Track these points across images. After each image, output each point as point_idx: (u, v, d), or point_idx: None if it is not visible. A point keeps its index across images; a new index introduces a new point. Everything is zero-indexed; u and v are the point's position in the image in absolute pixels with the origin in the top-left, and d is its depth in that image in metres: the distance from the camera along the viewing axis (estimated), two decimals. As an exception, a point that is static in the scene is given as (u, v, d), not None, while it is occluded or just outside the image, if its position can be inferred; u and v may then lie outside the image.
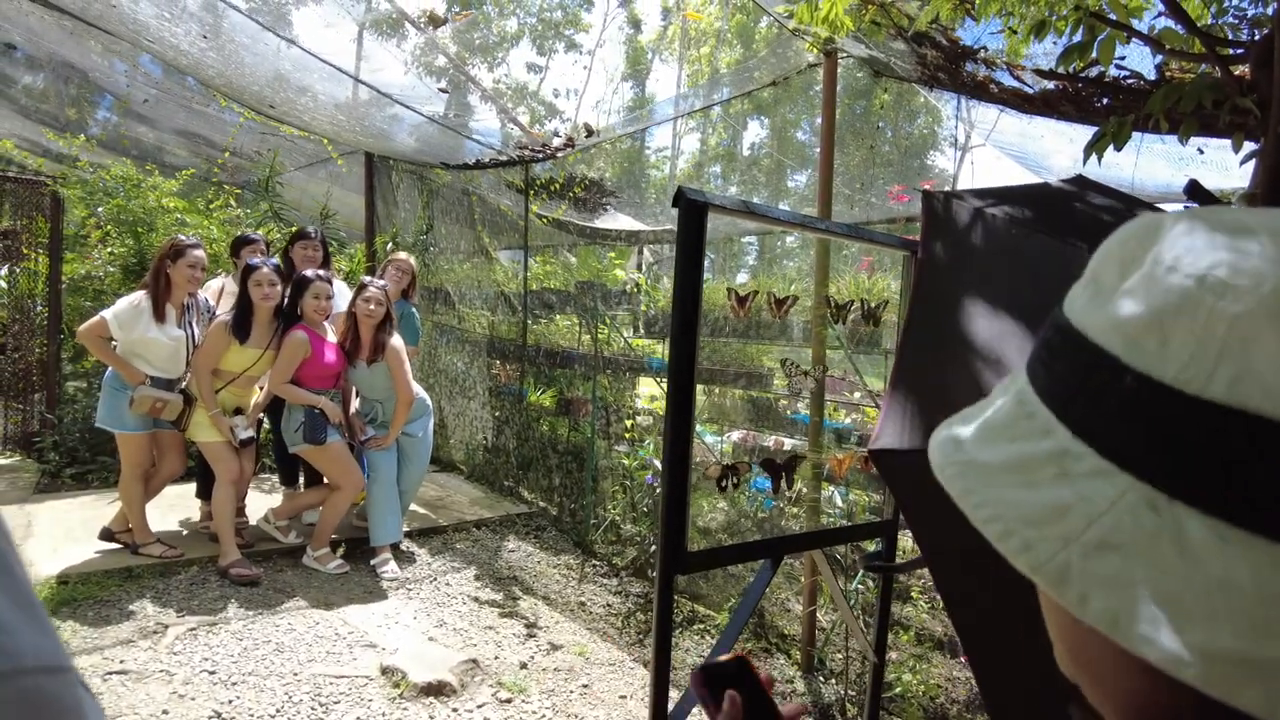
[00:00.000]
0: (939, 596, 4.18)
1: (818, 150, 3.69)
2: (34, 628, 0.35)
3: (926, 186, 4.14)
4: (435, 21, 5.00)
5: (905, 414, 1.10)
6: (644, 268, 8.28)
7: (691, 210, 1.49)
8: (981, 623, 1.07)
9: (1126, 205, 1.42)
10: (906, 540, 4.11)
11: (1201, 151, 3.20)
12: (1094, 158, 2.00)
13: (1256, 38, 1.72)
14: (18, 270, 6.41)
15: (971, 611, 1.08)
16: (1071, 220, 1.34)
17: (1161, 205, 3.10)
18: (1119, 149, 1.69)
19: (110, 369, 4.03)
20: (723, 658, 0.85)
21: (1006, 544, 0.38)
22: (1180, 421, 0.33)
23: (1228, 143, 3.16)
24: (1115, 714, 0.41)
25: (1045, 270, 1.18)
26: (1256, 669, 0.30)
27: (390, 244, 7.00)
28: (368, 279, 4.39)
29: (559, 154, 5.80)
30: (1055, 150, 3.84)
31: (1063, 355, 0.40)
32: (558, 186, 6.53)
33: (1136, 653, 0.32)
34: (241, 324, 4.08)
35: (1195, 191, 1.37)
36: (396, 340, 4.36)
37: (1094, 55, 1.89)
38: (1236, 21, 2.26)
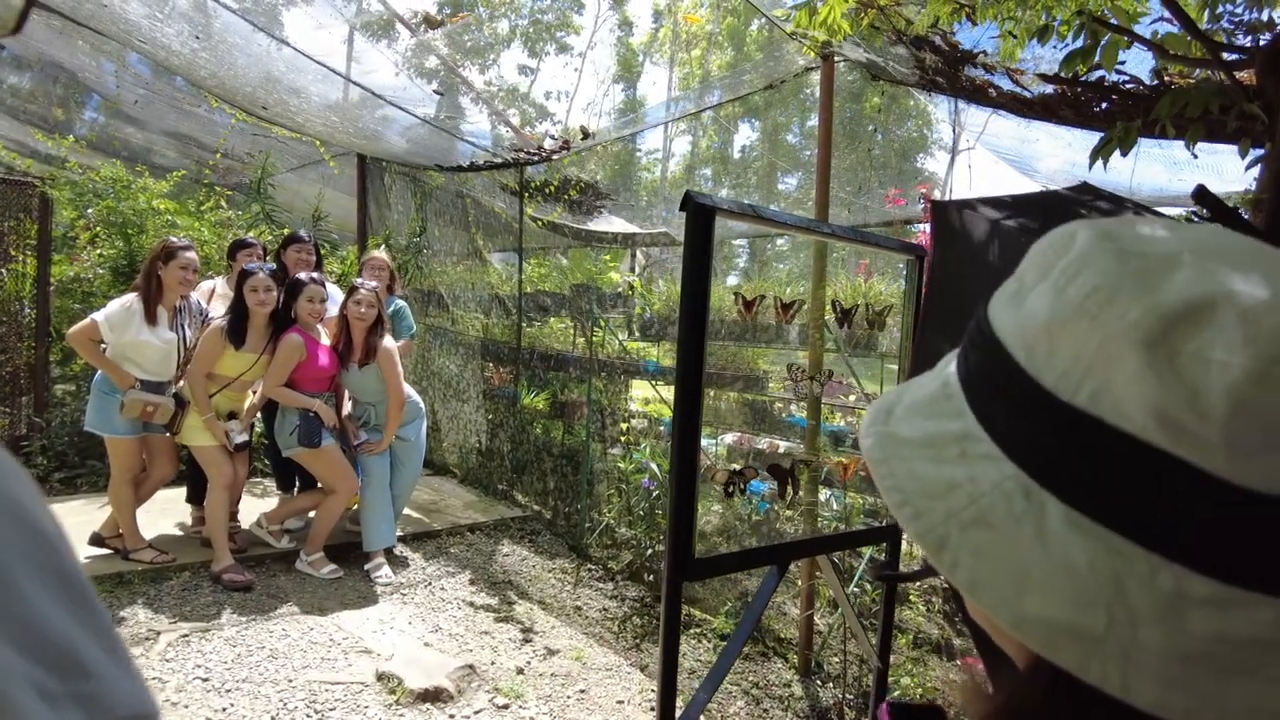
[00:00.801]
0: (937, 601, 4.18)
1: (809, 153, 3.70)
2: (123, 670, 0.34)
3: (923, 190, 4.15)
4: (431, 23, 4.97)
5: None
6: (638, 270, 8.27)
7: (699, 214, 1.48)
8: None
9: (1135, 213, 1.42)
10: (906, 543, 4.11)
11: (1195, 156, 3.21)
12: (1090, 162, 2.00)
13: (1260, 43, 1.73)
14: (4, 272, 6.34)
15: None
16: (1082, 226, 1.33)
17: (1158, 209, 3.11)
18: (1125, 154, 1.69)
19: (99, 372, 3.99)
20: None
21: (900, 512, 0.43)
22: (1052, 422, 0.38)
23: (1221, 147, 3.18)
24: (1014, 656, 0.46)
25: None
26: (1076, 636, 0.35)
27: (382, 246, 6.96)
28: (359, 281, 4.36)
29: (554, 156, 5.79)
30: (1050, 154, 3.85)
31: (978, 349, 0.44)
32: (552, 189, 6.51)
33: (989, 615, 0.39)
34: (237, 329, 4.04)
35: (1203, 196, 1.37)
36: (388, 342, 4.33)
37: (1097, 60, 1.90)
38: (1231, 27, 2.27)
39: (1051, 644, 0.36)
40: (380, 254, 5.02)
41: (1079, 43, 1.90)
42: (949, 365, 0.49)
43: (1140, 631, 0.35)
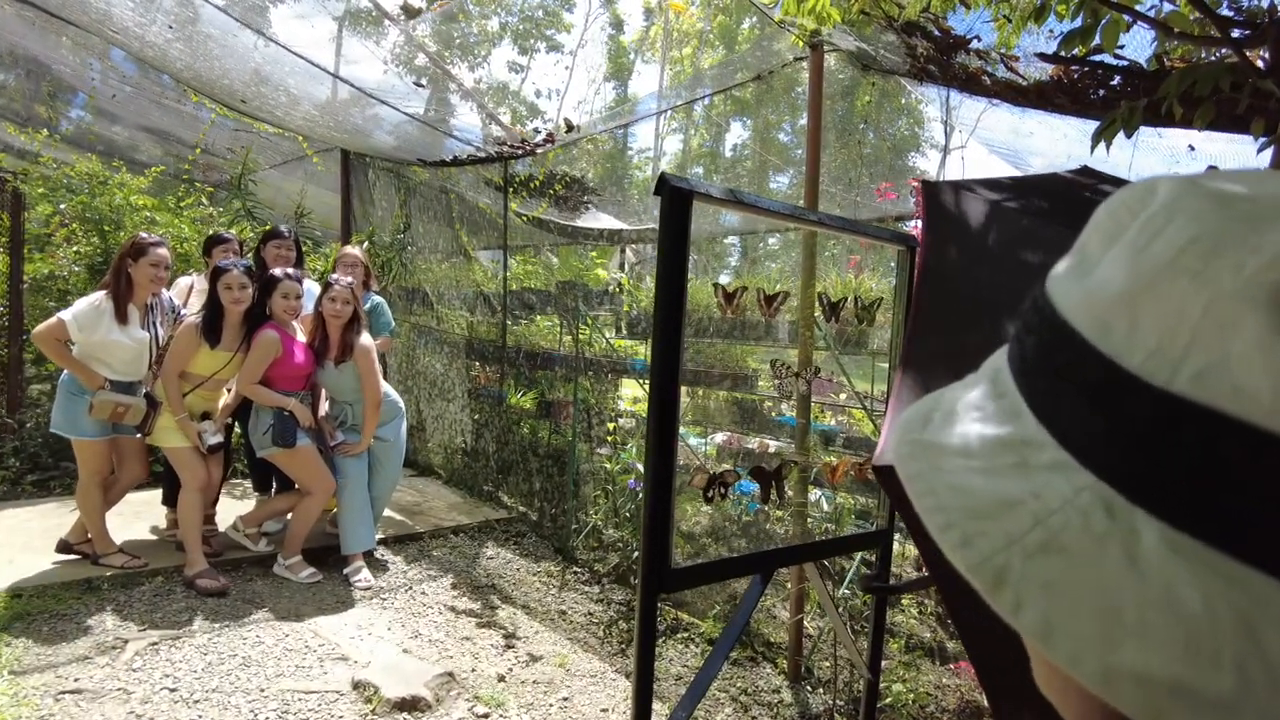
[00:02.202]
0: (929, 604, 4.10)
1: (800, 152, 3.61)
2: None
3: (914, 184, 4.06)
4: (410, 12, 4.86)
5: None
6: (626, 267, 8.17)
7: (675, 199, 1.38)
8: (995, 651, 0.97)
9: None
10: (899, 547, 4.02)
11: (1192, 148, 3.14)
12: (1089, 151, 1.92)
13: (1275, 15, 1.64)
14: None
15: (984, 639, 0.98)
16: (1086, 210, 1.25)
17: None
18: (1129, 135, 1.60)
19: (66, 371, 3.86)
20: None
21: (945, 537, 0.34)
22: (1144, 416, 0.30)
23: (1220, 137, 3.11)
24: None
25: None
26: (1191, 699, 0.27)
27: (366, 242, 6.84)
28: (334, 277, 4.25)
29: (539, 150, 5.68)
30: (1046, 147, 3.77)
31: (1035, 331, 0.36)
32: (537, 184, 6.41)
33: (1066, 669, 0.29)
34: (212, 326, 3.93)
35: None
36: (366, 339, 4.23)
37: (1096, 42, 1.81)
38: (1232, 14, 2.19)
39: (1156, 709, 0.27)
40: (354, 249, 4.90)
41: (1078, 22, 1.81)
42: (999, 359, 0.40)
43: None
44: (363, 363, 4.18)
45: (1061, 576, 0.30)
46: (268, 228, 4.91)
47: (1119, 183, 1.39)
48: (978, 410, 0.38)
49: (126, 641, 3.40)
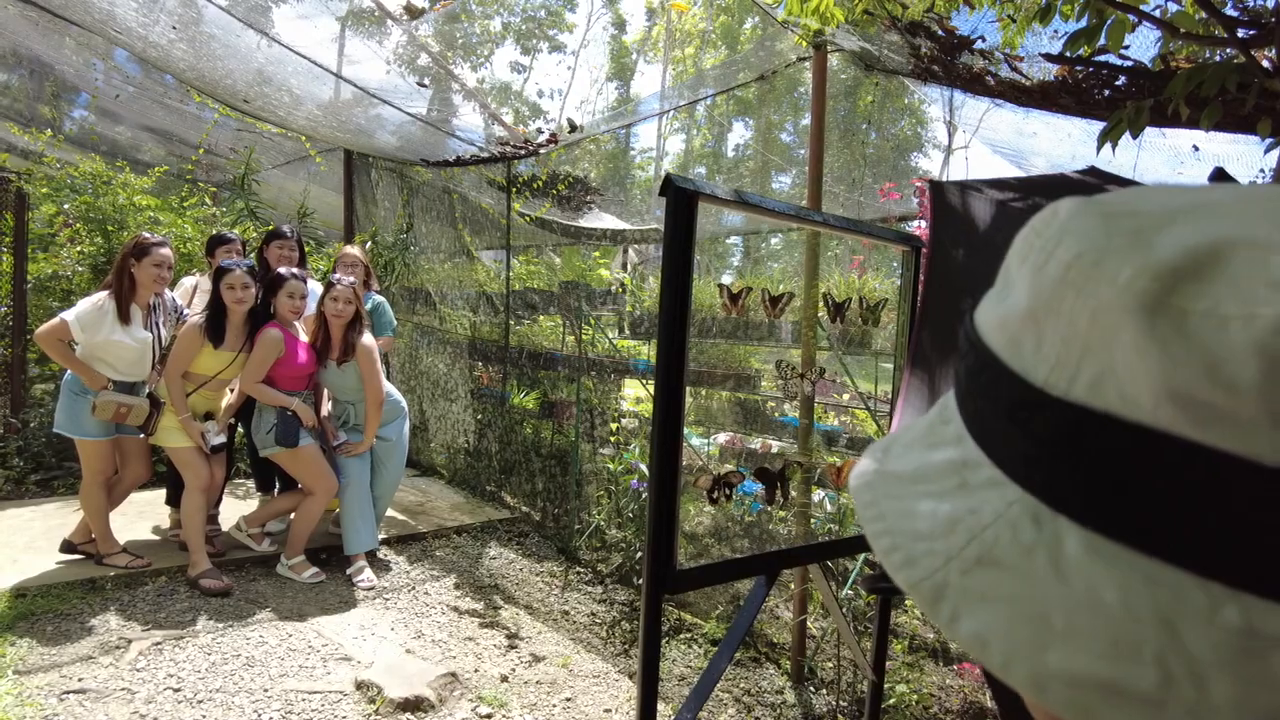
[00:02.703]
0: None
1: (803, 152, 3.61)
2: None
3: (918, 184, 4.06)
4: (413, 12, 4.86)
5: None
6: (629, 267, 8.17)
7: (680, 199, 1.38)
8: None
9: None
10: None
11: (1196, 148, 3.13)
12: (1094, 152, 1.91)
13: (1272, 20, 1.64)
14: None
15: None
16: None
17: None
18: (1135, 136, 1.59)
19: (69, 370, 3.86)
20: None
21: (889, 559, 0.35)
22: (1053, 427, 0.31)
23: (1222, 138, 3.10)
24: None
25: None
26: (1118, 698, 0.27)
27: (369, 242, 6.85)
28: (336, 276, 4.25)
29: (542, 150, 5.68)
30: (1050, 147, 3.76)
31: (965, 357, 0.38)
32: (540, 184, 6.40)
33: (1001, 677, 0.30)
34: (215, 326, 3.93)
35: (1222, 180, 1.28)
36: (368, 339, 4.23)
37: (1102, 42, 1.80)
38: (1237, 14, 2.18)
39: (1087, 709, 0.28)
40: (353, 249, 4.90)
41: (1083, 23, 1.81)
42: (950, 390, 0.42)
43: (1210, 688, 0.26)
44: (364, 362, 4.18)
45: (994, 588, 0.32)
46: (270, 228, 4.91)
47: (1125, 183, 1.39)
48: (927, 437, 0.40)
49: (130, 641, 3.40)
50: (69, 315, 3.74)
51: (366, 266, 4.83)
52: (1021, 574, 0.31)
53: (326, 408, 4.41)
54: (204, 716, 2.91)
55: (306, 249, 5.11)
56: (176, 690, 3.06)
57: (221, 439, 4.10)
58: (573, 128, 5.35)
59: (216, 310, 3.93)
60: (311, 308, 4.29)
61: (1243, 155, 2.98)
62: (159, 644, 3.41)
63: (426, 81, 5.89)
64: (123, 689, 3.03)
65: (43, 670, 3.11)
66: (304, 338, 4.19)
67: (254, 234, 6.20)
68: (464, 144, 6.15)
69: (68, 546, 4.12)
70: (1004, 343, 0.35)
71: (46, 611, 3.59)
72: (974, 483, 0.35)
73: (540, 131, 5.77)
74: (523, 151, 5.79)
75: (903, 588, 0.34)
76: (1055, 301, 0.32)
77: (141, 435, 4.03)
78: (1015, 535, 0.32)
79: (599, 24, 30.86)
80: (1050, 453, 0.32)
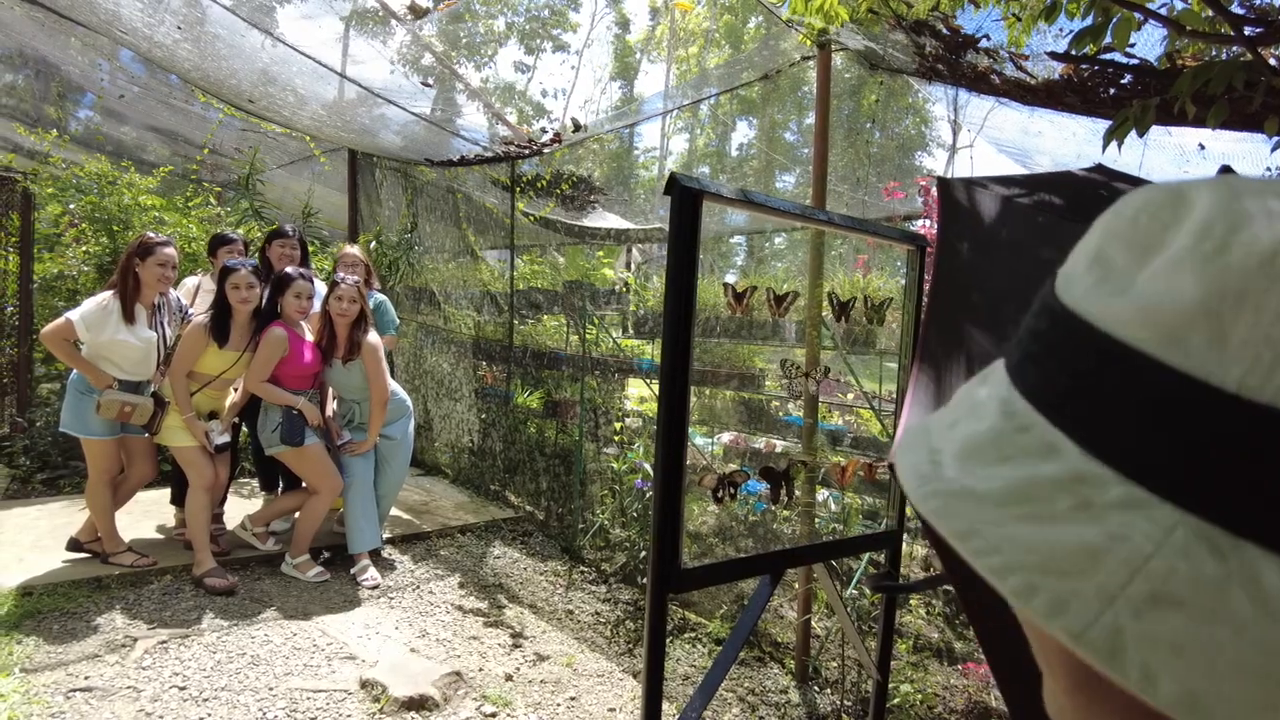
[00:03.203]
0: (937, 604, 4.09)
1: (806, 151, 3.61)
2: None
3: (922, 183, 4.05)
4: (417, 12, 4.87)
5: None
6: (633, 267, 8.17)
7: (685, 198, 1.38)
8: (1016, 653, 0.96)
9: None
10: (908, 548, 4.00)
11: (1202, 146, 3.12)
12: (1100, 151, 1.91)
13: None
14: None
15: (1003, 644, 0.97)
16: (1099, 208, 1.24)
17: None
18: (1141, 134, 1.59)
19: (75, 371, 3.88)
20: None
21: (1031, 603, 0.29)
22: (1239, 436, 0.26)
23: (1228, 135, 3.09)
24: None
25: None
26: None
27: (374, 242, 6.86)
28: (340, 275, 4.26)
29: (545, 150, 5.68)
30: (1054, 146, 3.75)
31: (1061, 350, 0.33)
32: (544, 184, 6.41)
33: None
34: (220, 326, 3.94)
35: (1228, 178, 1.27)
36: (373, 338, 4.24)
37: (1108, 40, 1.80)
38: (1244, 12, 2.17)
39: None
40: (353, 249, 4.92)
41: (1089, 21, 1.80)
42: (996, 384, 0.37)
43: None
44: (370, 361, 4.19)
45: (1189, 636, 0.26)
46: (274, 227, 4.93)
47: (1134, 181, 1.38)
48: (998, 446, 0.34)
49: (136, 640, 3.41)
50: (74, 315, 3.76)
51: (367, 265, 4.84)
52: (1217, 616, 0.26)
53: (331, 407, 4.42)
54: (209, 715, 2.92)
55: (311, 249, 5.12)
56: (182, 688, 3.07)
57: (225, 438, 4.11)
58: (577, 127, 5.36)
59: (221, 310, 3.93)
60: (317, 306, 4.30)
61: (1249, 154, 2.97)
62: (164, 642, 3.42)
63: (430, 81, 5.90)
64: (129, 687, 3.04)
65: (49, 668, 3.12)
66: (309, 337, 4.20)
67: (258, 234, 6.22)
68: (468, 144, 6.16)
69: (74, 545, 4.14)
70: (1155, 340, 0.29)
71: (53, 610, 3.60)
72: (1101, 502, 0.29)
73: (544, 131, 5.77)
74: (527, 151, 5.80)
75: (1064, 640, 0.29)
76: (1251, 294, 0.27)
77: (146, 434, 4.04)
78: (1194, 568, 0.27)
79: (603, 23, 30.89)
80: (1230, 466, 0.27)
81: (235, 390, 4.25)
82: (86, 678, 3.08)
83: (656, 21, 29.30)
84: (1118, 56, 2.14)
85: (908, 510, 2.17)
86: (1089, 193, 1.30)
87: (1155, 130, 2.84)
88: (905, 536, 3.06)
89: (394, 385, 4.52)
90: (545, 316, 6.51)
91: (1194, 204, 0.31)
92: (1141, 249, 0.32)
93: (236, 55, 5.10)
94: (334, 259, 6.92)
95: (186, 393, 3.93)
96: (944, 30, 2.77)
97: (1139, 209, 0.33)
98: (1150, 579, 0.27)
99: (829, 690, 3.51)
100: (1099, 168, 1.39)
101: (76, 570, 3.97)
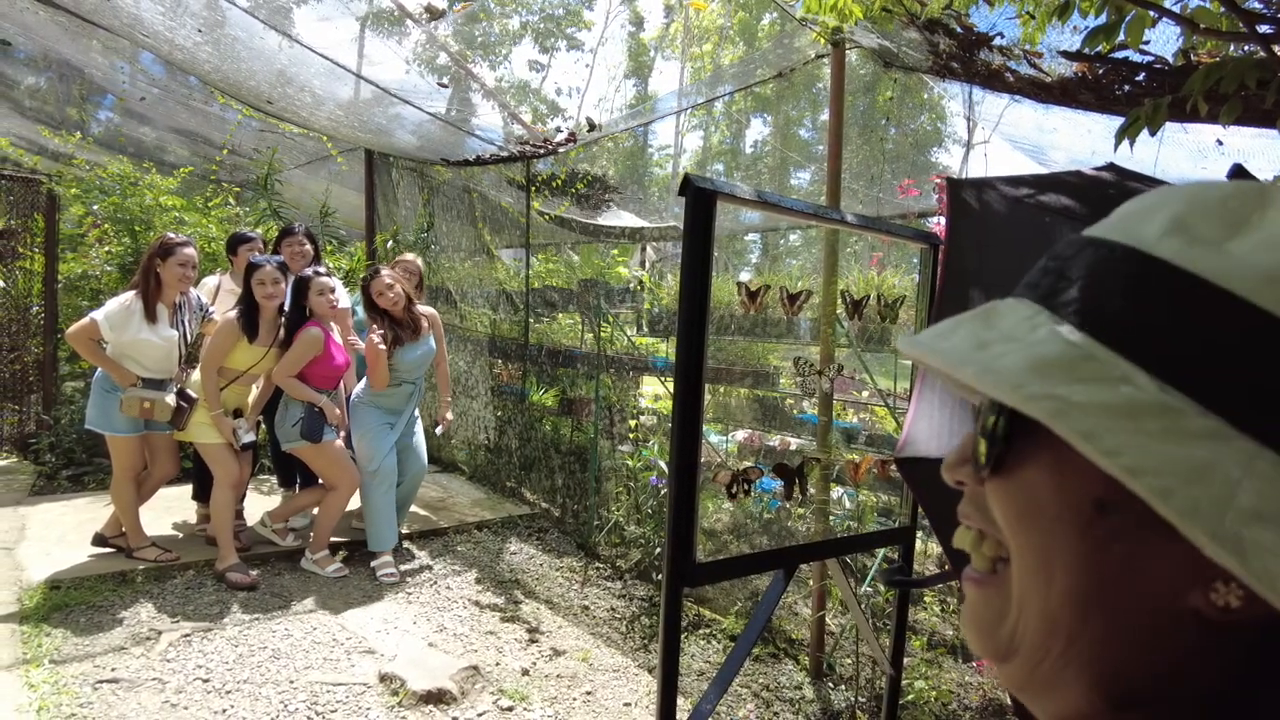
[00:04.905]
0: (951, 601, 4.09)
1: (821, 147, 3.61)
2: None
3: (937, 180, 4.04)
4: (434, 14, 4.91)
5: (936, 418, 1.00)
6: (647, 265, 8.19)
7: (699, 199, 1.40)
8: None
9: (1168, 191, 1.32)
10: (922, 545, 4.01)
11: (1220, 143, 3.10)
12: (1116, 143, 1.91)
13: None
14: (15, 270, 6.35)
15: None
16: (1109, 208, 1.25)
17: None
18: (1154, 133, 1.60)
19: (99, 369, 3.95)
20: None
21: (1169, 502, 0.31)
22: None
23: (1246, 131, 3.07)
24: (1101, 679, 0.38)
25: None
26: None
27: (390, 242, 6.92)
28: (379, 267, 4.37)
29: (561, 149, 5.71)
30: (1069, 143, 3.74)
31: (1139, 292, 0.36)
32: (559, 183, 6.44)
33: None
34: (249, 322, 4.00)
35: (1240, 177, 1.28)
36: (426, 309, 4.52)
37: (1121, 38, 1.80)
38: (1260, 8, 2.16)
39: None
40: (412, 257, 5.00)
41: (1102, 18, 1.81)
42: (1036, 318, 0.40)
43: None
44: (435, 326, 4.55)
45: None
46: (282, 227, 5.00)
47: (1147, 179, 1.39)
48: (1073, 370, 0.36)
49: (160, 633, 3.48)
50: (99, 314, 3.83)
51: (421, 276, 4.94)
52: None
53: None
54: (232, 706, 2.97)
55: (329, 248, 5.17)
56: (206, 680, 3.13)
57: (251, 437, 4.17)
58: (592, 126, 5.38)
59: (249, 306, 3.99)
60: (345, 302, 4.37)
61: (1266, 150, 2.95)
62: (188, 636, 3.48)
63: (446, 81, 5.94)
64: (154, 679, 3.11)
65: (77, 660, 3.19)
66: (339, 339, 4.26)
67: (276, 233, 6.29)
68: (483, 143, 6.20)
69: (99, 540, 4.22)
70: (1272, 298, 0.33)
71: (80, 603, 3.68)
72: (1188, 430, 0.33)
73: (559, 130, 5.80)
74: (542, 150, 5.83)
75: (1192, 537, 0.31)
76: None
77: (170, 431, 4.11)
78: (1276, 492, 0.31)
79: (617, 21, 30.87)
80: None
81: (256, 388, 4.31)
82: (113, 669, 3.15)
83: (671, 19, 29.25)
84: (1131, 54, 2.14)
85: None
86: (1098, 192, 1.31)
87: (1172, 127, 2.83)
88: (919, 534, 3.07)
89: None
90: (560, 315, 6.55)
91: (1273, 198, 0.36)
92: (1229, 225, 0.36)
93: (255, 57, 5.16)
94: (352, 258, 7.01)
95: (216, 389, 3.99)
96: (957, 28, 2.77)
97: (1229, 194, 0.38)
98: (1248, 497, 0.31)
99: (843, 686, 3.52)
100: (1111, 166, 1.40)
101: (102, 565, 4.05)
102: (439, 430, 4.84)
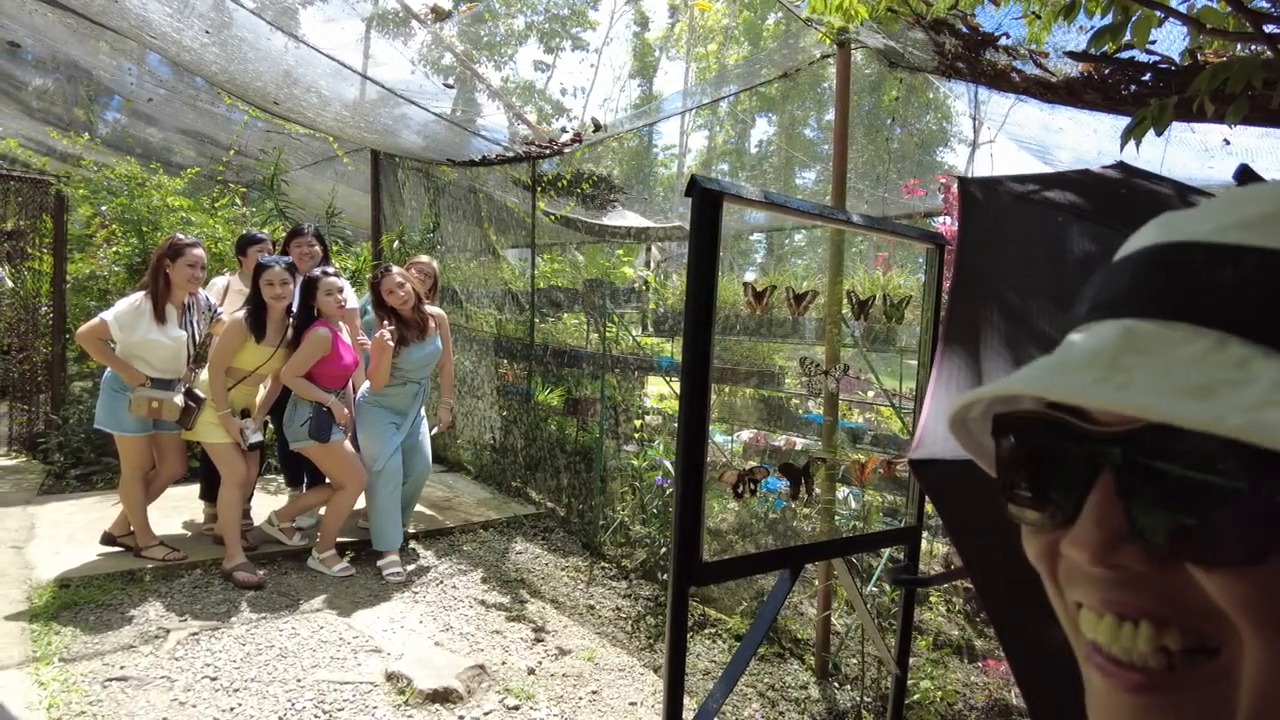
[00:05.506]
0: (958, 601, 4.09)
1: (827, 147, 3.61)
2: None
3: (943, 180, 4.04)
4: (439, 14, 4.92)
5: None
6: (652, 265, 8.20)
7: (706, 200, 1.41)
8: (1036, 651, 0.98)
9: (1176, 191, 1.33)
10: (928, 545, 4.01)
11: (1228, 142, 3.09)
12: (1120, 148, 1.91)
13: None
14: (24, 270, 6.39)
15: (1023, 642, 0.99)
16: (1118, 206, 1.25)
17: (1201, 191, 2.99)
18: (1159, 133, 1.60)
19: (109, 369, 3.97)
20: None
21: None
22: None
23: (1254, 131, 3.06)
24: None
25: (1098, 258, 1.09)
26: None
27: (396, 242, 6.93)
28: (389, 265, 4.39)
29: (566, 149, 5.72)
30: (1075, 142, 3.73)
31: (1254, 279, 0.35)
32: (565, 183, 6.45)
33: None
34: (257, 321, 4.02)
35: (1246, 177, 1.28)
36: (434, 309, 4.53)
37: (1127, 38, 1.80)
38: (1268, 7, 2.16)
39: None
40: (427, 259, 5.03)
41: (1108, 18, 1.81)
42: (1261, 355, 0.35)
43: None
44: (443, 326, 4.57)
45: None
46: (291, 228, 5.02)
47: (1156, 179, 1.39)
48: (1206, 369, 0.35)
49: (168, 631, 3.50)
50: (108, 315, 3.85)
51: (435, 278, 4.97)
52: None
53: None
54: (240, 705, 2.99)
55: (335, 248, 5.19)
56: (213, 679, 3.15)
57: (259, 437, 4.19)
58: (597, 127, 5.39)
59: (257, 306, 4.01)
60: (354, 302, 4.38)
61: (1273, 149, 2.95)
62: (196, 634, 3.50)
63: (451, 81, 5.96)
64: (162, 677, 3.12)
65: (86, 658, 3.21)
66: (348, 339, 4.28)
67: (283, 233, 6.31)
68: (489, 143, 6.21)
69: (108, 539, 4.24)
70: None
71: (89, 602, 3.70)
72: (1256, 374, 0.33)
73: (564, 130, 5.81)
74: (547, 151, 5.84)
75: None
76: None
77: (178, 431, 4.13)
78: None
79: (621, 21, 30.87)
80: None
81: (263, 388, 4.32)
82: (122, 667, 3.17)
83: (675, 19, 29.25)
84: (1138, 54, 2.14)
85: (927, 508, 2.18)
86: (1108, 191, 1.31)
87: (1179, 127, 2.83)
88: (925, 534, 3.07)
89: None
90: (566, 315, 6.56)
91: None
92: None
93: (262, 57, 5.18)
94: (358, 258, 7.02)
95: (224, 389, 4.00)
96: (963, 28, 2.77)
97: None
98: None
99: (849, 686, 3.52)
100: (1120, 165, 1.40)
101: (110, 564, 4.07)
102: (433, 431, 4.82)
